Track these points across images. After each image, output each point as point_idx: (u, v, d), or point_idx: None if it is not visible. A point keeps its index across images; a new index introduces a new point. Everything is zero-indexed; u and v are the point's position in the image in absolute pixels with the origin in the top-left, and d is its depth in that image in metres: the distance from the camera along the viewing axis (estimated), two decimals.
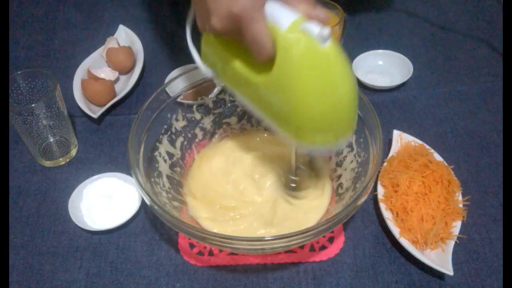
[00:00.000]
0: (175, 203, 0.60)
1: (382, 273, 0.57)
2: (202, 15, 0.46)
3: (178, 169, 0.64)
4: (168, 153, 0.63)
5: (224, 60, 0.50)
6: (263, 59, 0.44)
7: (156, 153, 0.61)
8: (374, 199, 0.62)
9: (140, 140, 0.58)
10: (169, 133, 0.64)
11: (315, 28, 0.41)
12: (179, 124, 0.65)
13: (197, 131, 0.67)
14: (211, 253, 0.59)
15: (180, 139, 0.65)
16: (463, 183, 0.62)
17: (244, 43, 0.44)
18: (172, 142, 0.64)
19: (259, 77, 0.47)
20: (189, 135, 0.66)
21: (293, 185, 0.61)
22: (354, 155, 0.60)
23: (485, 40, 0.86)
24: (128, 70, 0.81)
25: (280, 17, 0.42)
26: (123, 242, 0.60)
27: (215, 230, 0.57)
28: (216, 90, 0.65)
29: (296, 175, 0.61)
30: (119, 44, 0.83)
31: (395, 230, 0.57)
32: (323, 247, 0.59)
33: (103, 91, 0.74)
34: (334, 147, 0.52)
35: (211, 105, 0.67)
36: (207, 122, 0.67)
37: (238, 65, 0.49)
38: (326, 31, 0.41)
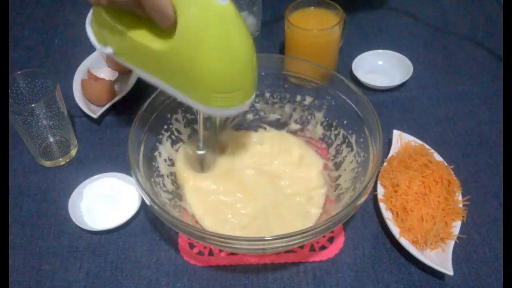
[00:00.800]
0: (175, 203, 0.60)
1: (382, 273, 0.57)
2: None
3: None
4: (168, 153, 0.63)
5: (119, 34, 0.50)
6: (166, 25, 0.45)
7: (156, 153, 0.61)
8: (374, 199, 0.62)
9: (140, 140, 0.58)
10: (169, 133, 0.64)
11: None
12: (179, 124, 0.65)
13: (196, 129, 0.67)
14: (211, 253, 0.59)
15: (180, 138, 0.65)
16: (463, 183, 0.62)
17: (145, 12, 0.45)
18: (172, 142, 0.64)
19: (161, 44, 0.47)
20: (189, 135, 0.66)
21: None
22: (354, 155, 0.60)
23: (485, 40, 0.86)
24: (128, 70, 0.81)
25: None
26: (123, 242, 0.60)
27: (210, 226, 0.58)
28: None
29: (203, 148, 0.63)
30: None
31: (395, 230, 0.57)
32: (323, 247, 0.59)
33: (103, 91, 0.74)
34: (239, 109, 0.52)
35: None
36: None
37: (136, 36, 0.49)
38: None
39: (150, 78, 0.53)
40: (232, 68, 0.47)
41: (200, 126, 0.61)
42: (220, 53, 0.46)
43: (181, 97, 0.51)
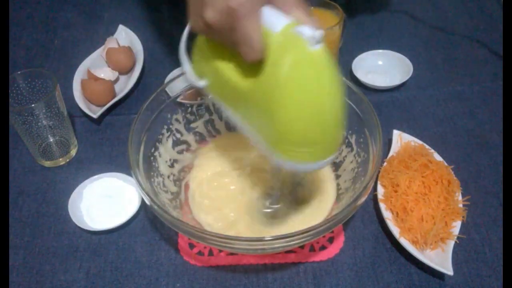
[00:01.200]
0: (175, 203, 0.60)
1: (382, 273, 0.57)
2: (196, 9, 0.44)
3: (178, 168, 0.64)
4: (168, 153, 0.63)
5: (213, 66, 0.48)
6: (252, 58, 0.42)
7: (156, 153, 0.61)
8: (374, 199, 0.62)
9: (140, 140, 0.58)
10: (169, 133, 0.64)
11: (308, 30, 0.40)
12: (179, 124, 0.65)
13: (197, 131, 0.67)
14: (211, 253, 0.59)
15: (180, 139, 0.65)
16: (463, 183, 0.62)
17: (234, 40, 0.42)
18: (172, 142, 0.64)
19: (246, 82, 0.45)
20: (189, 135, 0.66)
21: (269, 210, 0.61)
22: (354, 155, 0.60)
23: (485, 40, 0.86)
24: (128, 70, 0.81)
25: (273, 20, 0.42)
26: (123, 242, 0.60)
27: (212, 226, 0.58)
28: None
29: (277, 202, 0.61)
30: (119, 44, 0.83)
31: (395, 230, 0.57)
32: (323, 247, 0.59)
33: (103, 91, 0.74)
34: (318, 165, 0.47)
35: (211, 105, 0.67)
36: (207, 122, 0.67)
37: (227, 70, 0.47)
38: (319, 33, 0.40)
39: (235, 118, 0.50)
40: (313, 122, 0.43)
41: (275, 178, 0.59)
42: (304, 105, 0.42)
43: (260, 143, 0.48)
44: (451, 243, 0.56)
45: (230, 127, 0.68)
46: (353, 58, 0.80)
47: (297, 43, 0.41)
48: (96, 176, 0.65)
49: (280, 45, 0.41)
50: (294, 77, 0.41)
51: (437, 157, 0.64)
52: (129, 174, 0.58)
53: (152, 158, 0.60)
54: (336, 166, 0.63)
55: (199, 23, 0.44)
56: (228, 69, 0.47)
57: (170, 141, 0.64)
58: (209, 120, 0.67)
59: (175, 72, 0.77)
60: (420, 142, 0.66)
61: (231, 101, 0.50)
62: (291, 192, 0.62)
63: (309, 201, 0.61)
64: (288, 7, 0.43)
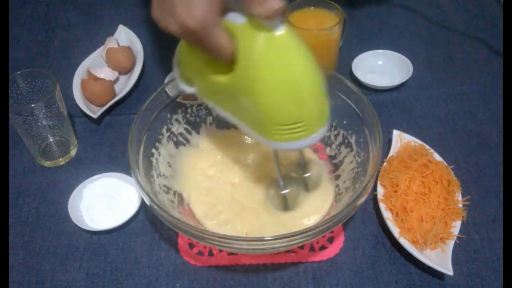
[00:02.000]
0: (175, 203, 0.60)
1: (382, 273, 0.57)
2: (162, 10, 0.45)
3: (178, 168, 0.64)
4: (168, 153, 0.63)
5: (196, 68, 0.50)
6: (224, 61, 0.44)
7: (156, 153, 0.61)
8: (374, 199, 0.62)
9: (140, 140, 0.58)
10: (169, 133, 0.64)
11: None
12: (179, 124, 0.65)
13: (196, 130, 0.67)
14: (211, 253, 0.59)
15: (180, 139, 0.65)
16: (463, 183, 0.62)
17: (202, 47, 0.44)
18: (172, 142, 0.64)
19: (225, 77, 0.46)
20: (189, 135, 0.66)
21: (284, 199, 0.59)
22: (354, 155, 0.60)
23: (485, 40, 0.86)
24: (128, 70, 0.81)
25: (235, 14, 0.43)
26: (123, 242, 0.60)
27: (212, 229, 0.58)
28: None
29: (284, 187, 0.58)
30: (118, 44, 0.83)
31: (395, 230, 0.57)
32: (323, 247, 0.59)
33: (103, 91, 0.74)
34: (308, 142, 0.48)
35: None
36: (207, 122, 0.67)
37: (207, 70, 0.48)
38: (280, 17, 0.41)
39: (225, 114, 0.52)
40: (292, 99, 0.44)
41: (275, 164, 0.57)
42: (279, 85, 0.44)
43: (251, 133, 0.50)
44: (451, 243, 0.56)
45: (229, 126, 0.68)
46: (353, 58, 0.80)
47: (262, 29, 0.42)
48: (96, 176, 0.65)
49: (248, 35, 0.43)
50: (266, 62, 0.43)
51: (437, 157, 0.64)
52: (129, 174, 0.58)
53: (152, 158, 0.60)
54: (335, 166, 0.63)
55: (162, 22, 0.45)
56: (207, 68, 0.48)
57: (170, 142, 0.64)
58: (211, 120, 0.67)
59: (175, 72, 0.77)
60: (420, 142, 0.66)
61: (217, 99, 0.52)
62: (299, 175, 0.61)
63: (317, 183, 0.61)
64: None
